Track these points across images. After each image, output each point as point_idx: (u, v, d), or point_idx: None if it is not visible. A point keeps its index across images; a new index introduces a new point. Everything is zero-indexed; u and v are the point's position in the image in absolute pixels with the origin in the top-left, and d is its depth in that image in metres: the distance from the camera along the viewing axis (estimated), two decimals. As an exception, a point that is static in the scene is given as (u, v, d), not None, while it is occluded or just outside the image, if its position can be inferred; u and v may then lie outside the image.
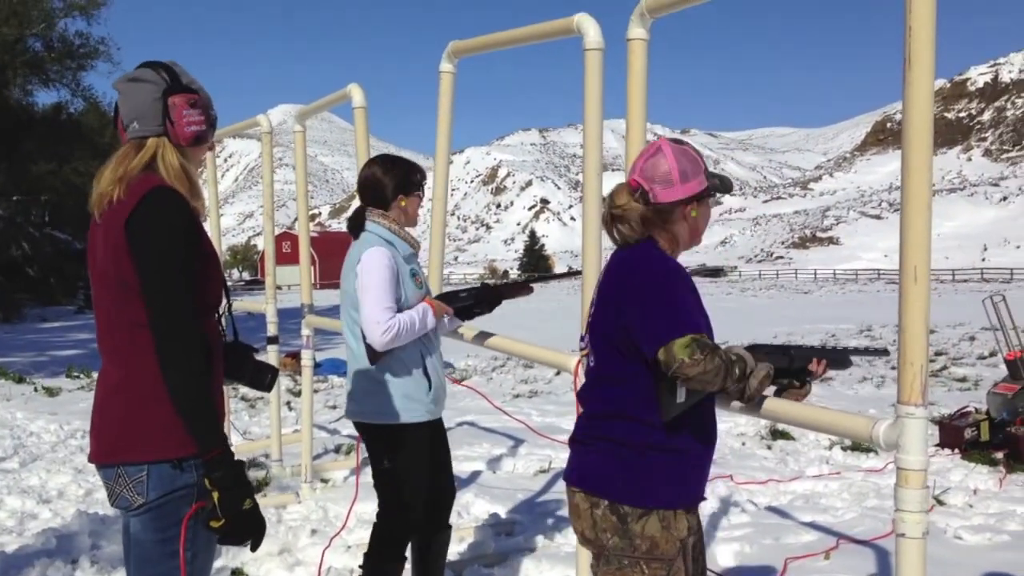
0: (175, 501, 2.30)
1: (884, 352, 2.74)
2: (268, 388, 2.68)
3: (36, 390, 12.58)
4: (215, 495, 2.22)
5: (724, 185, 2.58)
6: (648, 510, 2.43)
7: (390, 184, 3.66)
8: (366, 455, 6.65)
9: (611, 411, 2.49)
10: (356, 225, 3.73)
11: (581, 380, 3.32)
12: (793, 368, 2.56)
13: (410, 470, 3.66)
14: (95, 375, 14.36)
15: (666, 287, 2.39)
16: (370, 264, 3.51)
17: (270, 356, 7.05)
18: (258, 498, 5.96)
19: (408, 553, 3.80)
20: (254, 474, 6.83)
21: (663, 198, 2.46)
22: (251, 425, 9.52)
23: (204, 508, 2.28)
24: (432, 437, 3.77)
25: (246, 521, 2.27)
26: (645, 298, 2.37)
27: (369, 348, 3.55)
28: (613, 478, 2.46)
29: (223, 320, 2.54)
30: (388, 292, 3.49)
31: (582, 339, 2.68)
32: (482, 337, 4.25)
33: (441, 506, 3.91)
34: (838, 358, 2.63)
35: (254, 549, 2.35)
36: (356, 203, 3.83)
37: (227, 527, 2.24)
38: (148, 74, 2.37)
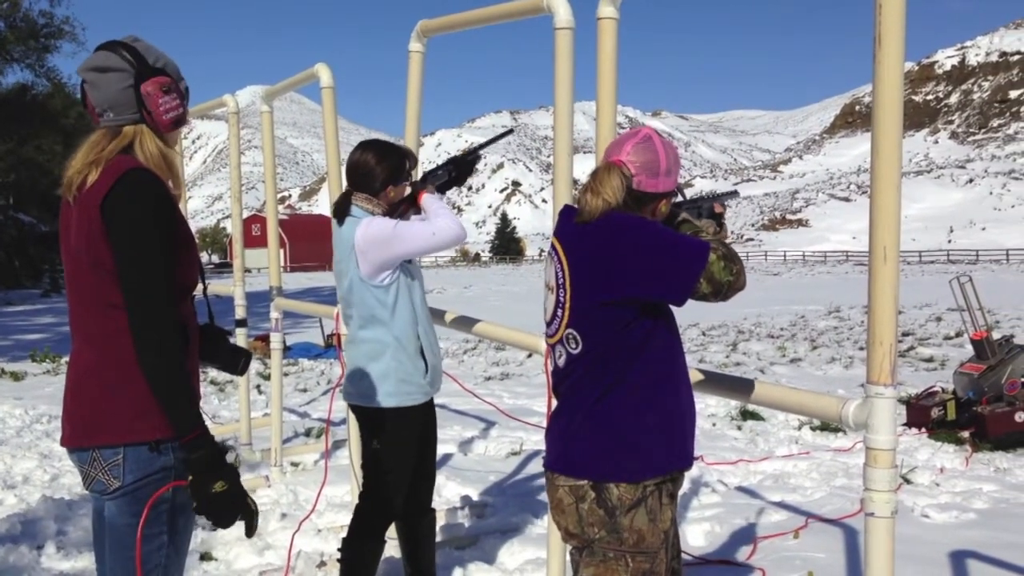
0: (152, 484, 2.27)
1: (735, 193, 3.14)
2: (241, 372, 2.66)
3: (1, 374, 12.41)
4: (190, 478, 2.22)
5: (680, 189, 2.62)
6: (637, 501, 2.42)
7: (382, 175, 3.60)
8: (336, 438, 6.62)
9: (605, 389, 2.44)
10: (342, 210, 3.64)
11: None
12: (703, 218, 2.76)
13: (399, 452, 3.65)
14: (62, 359, 14.15)
15: (660, 233, 2.40)
16: (378, 224, 3.50)
17: (239, 339, 7.00)
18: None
19: (389, 537, 3.79)
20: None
21: (646, 187, 2.46)
22: (220, 409, 9.45)
23: (183, 488, 2.27)
24: (425, 419, 3.76)
25: (217, 503, 2.25)
26: (652, 252, 2.36)
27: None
28: (606, 459, 2.43)
29: (206, 302, 2.53)
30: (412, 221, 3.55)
31: (549, 325, 2.58)
32: (455, 321, 4.23)
33: (425, 489, 3.91)
34: (719, 200, 2.86)
35: (249, 534, 2.34)
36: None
37: (199, 509, 2.24)
38: (114, 60, 2.30)
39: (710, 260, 2.33)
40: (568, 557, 2.66)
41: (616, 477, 2.42)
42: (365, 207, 3.60)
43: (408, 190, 3.71)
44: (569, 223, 2.53)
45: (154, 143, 2.34)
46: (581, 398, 2.48)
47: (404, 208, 3.72)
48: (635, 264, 2.35)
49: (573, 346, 2.49)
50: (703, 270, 2.33)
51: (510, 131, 4.29)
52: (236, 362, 2.60)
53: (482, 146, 4.01)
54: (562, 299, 2.50)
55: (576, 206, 2.53)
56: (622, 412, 2.43)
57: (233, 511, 2.29)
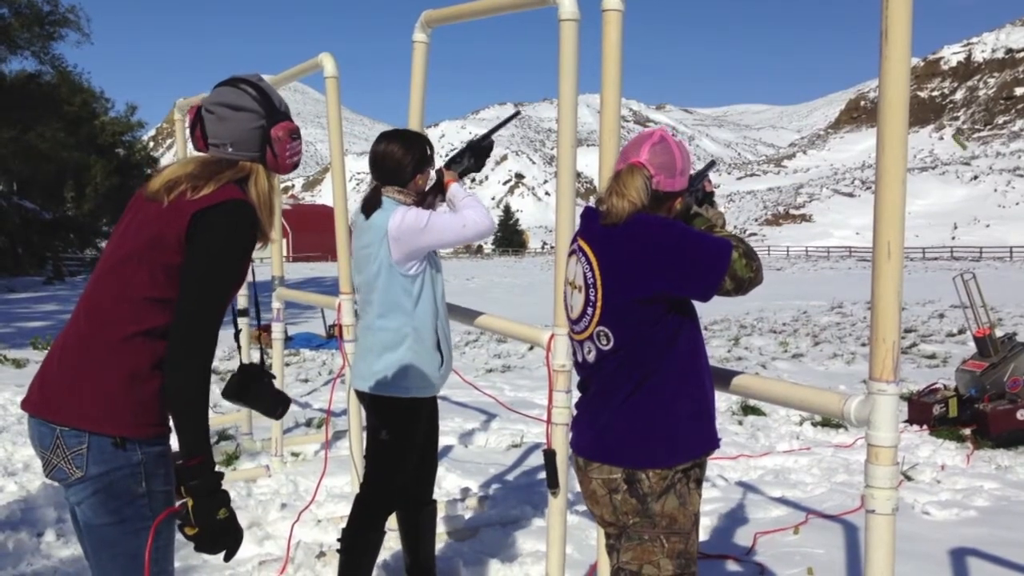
0: (122, 479, 2.24)
1: (712, 163, 3.32)
2: (278, 417, 2.65)
3: (3, 361, 12.41)
4: (189, 503, 2.20)
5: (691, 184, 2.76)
6: (667, 488, 2.53)
7: (410, 164, 3.61)
8: (337, 429, 6.61)
9: (637, 383, 2.52)
10: (372, 205, 3.64)
11: (557, 360, 3.32)
12: (704, 203, 2.89)
13: (405, 443, 3.67)
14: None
15: (687, 234, 2.49)
16: (413, 214, 3.51)
17: (241, 329, 7.00)
18: (228, 472, 5.87)
19: (389, 528, 3.79)
20: (225, 447, 6.79)
21: (664, 187, 2.56)
22: (222, 398, 9.44)
23: (177, 514, 2.25)
24: (430, 411, 3.78)
25: (220, 530, 2.25)
26: (682, 252, 2.45)
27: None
28: (640, 448, 2.53)
29: (260, 346, 2.55)
30: (442, 213, 3.59)
31: (577, 323, 2.65)
32: (457, 313, 4.22)
33: (426, 480, 3.92)
34: (705, 177, 2.95)
35: (228, 559, 2.32)
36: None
37: (200, 535, 2.22)
38: (246, 100, 2.37)
39: (733, 258, 2.44)
40: (604, 545, 2.77)
41: (649, 464, 2.53)
42: (397, 198, 3.61)
43: (433, 175, 3.73)
44: (594, 224, 2.61)
45: (267, 183, 2.42)
46: (614, 392, 2.58)
47: (433, 195, 3.74)
48: (666, 264, 2.45)
49: (604, 342, 2.57)
50: (728, 268, 2.44)
51: (517, 113, 4.32)
52: (276, 408, 2.58)
53: (493, 131, 4.02)
54: (592, 298, 2.58)
55: (598, 207, 2.61)
56: (654, 403, 2.53)
57: (233, 538, 2.29)
